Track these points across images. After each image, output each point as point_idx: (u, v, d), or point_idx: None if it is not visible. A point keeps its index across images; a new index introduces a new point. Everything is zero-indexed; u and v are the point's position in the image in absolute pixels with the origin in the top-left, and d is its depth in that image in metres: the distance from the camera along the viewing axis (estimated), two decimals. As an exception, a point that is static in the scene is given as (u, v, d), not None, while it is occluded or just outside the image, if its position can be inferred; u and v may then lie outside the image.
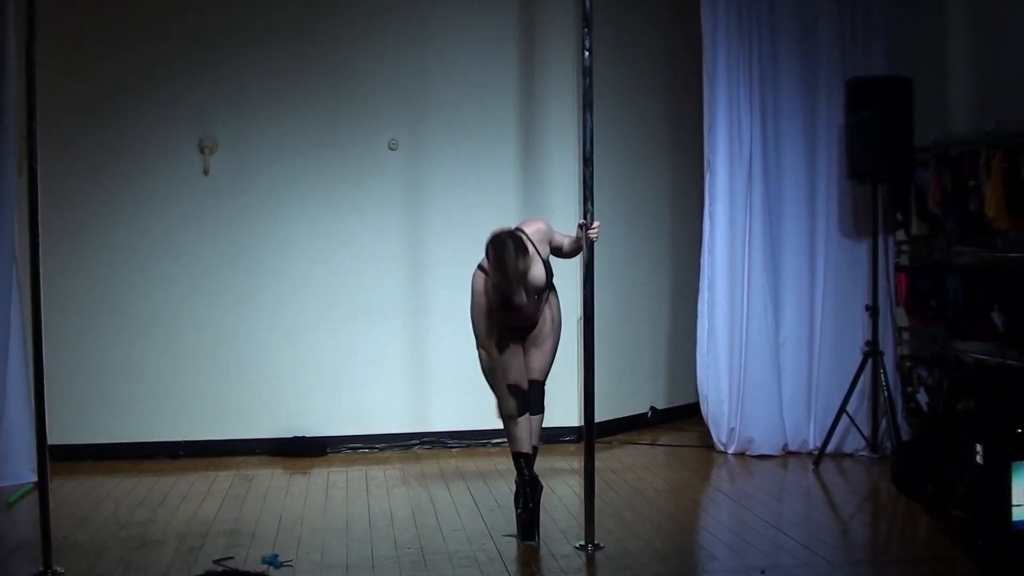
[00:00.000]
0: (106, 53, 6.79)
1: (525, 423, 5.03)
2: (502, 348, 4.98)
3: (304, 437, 6.95)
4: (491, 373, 5.00)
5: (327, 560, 4.76)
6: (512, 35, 7.19)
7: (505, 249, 4.74)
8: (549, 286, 5.02)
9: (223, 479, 6.29)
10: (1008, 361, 6.04)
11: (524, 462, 5.03)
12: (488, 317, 4.93)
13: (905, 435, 6.46)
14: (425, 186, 7.06)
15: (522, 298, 4.80)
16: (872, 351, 6.50)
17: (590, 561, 4.75)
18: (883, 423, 6.56)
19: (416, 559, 4.77)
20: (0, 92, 5.89)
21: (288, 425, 6.97)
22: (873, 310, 6.52)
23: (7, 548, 5.02)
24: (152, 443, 6.81)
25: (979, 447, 3.42)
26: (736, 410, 6.74)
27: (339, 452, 6.95)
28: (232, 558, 4.74)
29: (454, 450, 6.97)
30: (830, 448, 6.54)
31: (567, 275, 7.15)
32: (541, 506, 5.01)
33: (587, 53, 4.89)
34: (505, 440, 7.09)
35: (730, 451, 6.76)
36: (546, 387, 5.13)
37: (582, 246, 4.93)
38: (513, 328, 5.02)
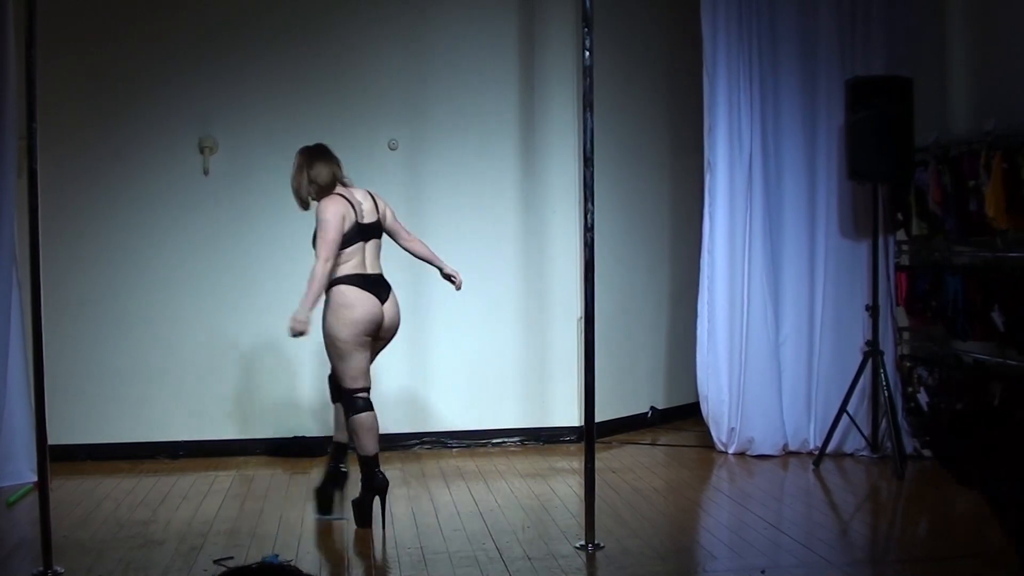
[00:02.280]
0: (106, 53, 6.79)
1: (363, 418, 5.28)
2: None
3: (304, 437, 6.94)
4: None
5: (327, 560, 4.76)
6: (512, 35, 7.19)
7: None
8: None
9: (223, 479, 6.29)
10: (1008, 361, 6.04)
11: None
12: None
13: (905, 435, 6.45)
14: (425, 186, 7.06)
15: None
16: (872, 351, 6.50)
17: (590, 561, 4.74)
18: (883, 423, 6.56)
19: (416, 559, 4.77)
20: (0, 92, 5.89)
21: (288, 425, 6.97)
22: (873, 310, 6.52)
23: (7, 548, 5.02)
24: (152, 443, 6.81)
25: None
26: (736, 410, 6.74)
27: (339, 452, 6.95)
28: (232, 558, 4.74)
29: (454, 450, 6.97)
30: (830, 448, 6.54)
31: (567, 275, 7.20)
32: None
33: (587, 53, 4.88)
34: (504, 440, 7.16)
35: (730, 451, 6.76)
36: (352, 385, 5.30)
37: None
38: None
